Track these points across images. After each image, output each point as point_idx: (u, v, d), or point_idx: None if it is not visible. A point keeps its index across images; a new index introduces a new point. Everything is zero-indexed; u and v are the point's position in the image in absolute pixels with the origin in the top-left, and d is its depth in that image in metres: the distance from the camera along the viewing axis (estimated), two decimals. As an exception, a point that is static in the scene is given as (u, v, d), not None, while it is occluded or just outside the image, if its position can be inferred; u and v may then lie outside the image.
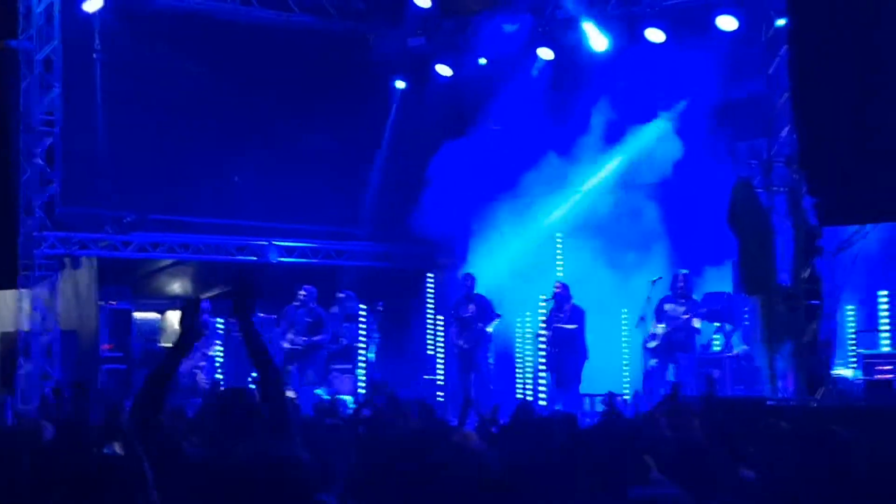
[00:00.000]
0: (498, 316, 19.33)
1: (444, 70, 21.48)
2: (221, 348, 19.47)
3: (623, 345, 18.88)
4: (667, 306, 17.74)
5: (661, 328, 17.65)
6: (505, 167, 20.33)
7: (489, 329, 19.35)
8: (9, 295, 19.23)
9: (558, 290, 18.45)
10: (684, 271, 17.80)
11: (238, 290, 5.97)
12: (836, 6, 14.10)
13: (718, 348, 18.16)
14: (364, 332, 20.28)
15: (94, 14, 18.80)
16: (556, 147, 20.02)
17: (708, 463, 6.95)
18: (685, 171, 18.70)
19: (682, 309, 17.61)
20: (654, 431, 8.52)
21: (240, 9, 20.19)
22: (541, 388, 18.91)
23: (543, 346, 18.60)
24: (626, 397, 17.48)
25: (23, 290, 18.71)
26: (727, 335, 18.02)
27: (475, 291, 19.47)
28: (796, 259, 14.84)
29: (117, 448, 7.77)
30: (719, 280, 17.90)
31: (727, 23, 17.78)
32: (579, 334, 18.30)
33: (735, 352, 17.67)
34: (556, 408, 17.15)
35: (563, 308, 18.39)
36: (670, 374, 17.55)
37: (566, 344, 18.28)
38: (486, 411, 10.60)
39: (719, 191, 15.88)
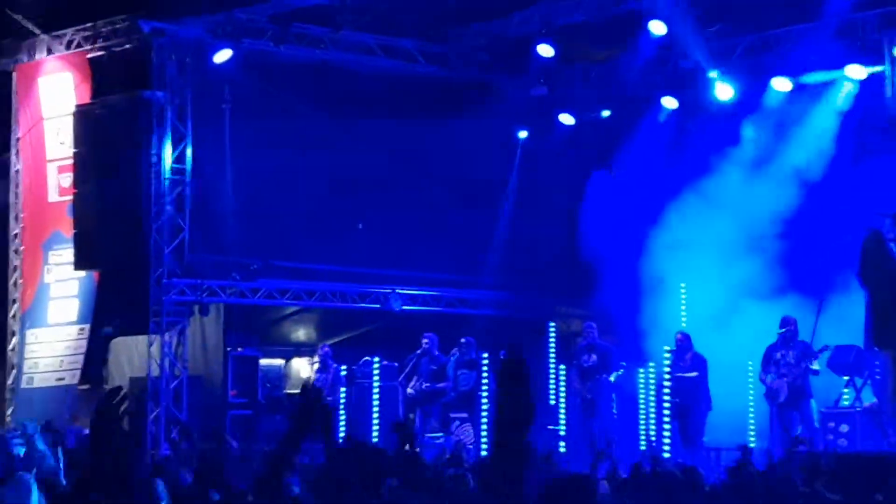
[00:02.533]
0: (622, 366, 19.18)
1: (566, 119, 21.50)
2: (345, 395, 19.51)
3: (749, 396, 18.59)
4: (777, 354, 17.47)
5: (776, 380, 17.34)
6: (629, 216, 20.26)
7: (612, 379, 19.22)
8: (139, 341, 19.59)
9: (680, 340, 18.29)
10: (792, 316, 17.49)
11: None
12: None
13: (847, 402, 17.79)
14: (486, 380, 20.21)
15: (223, 65, 19.18)
16: (685, 195, 19.98)
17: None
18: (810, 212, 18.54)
19: (792, 354, 17.31)
20: (786, 487, 8.41)
21: (365, 59, 20.41)
22: (665, 439, 18.69)
23: (667, 397, 18.41)
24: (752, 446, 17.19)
25: (153, 336, 19.05)
26: (857, 389, 17.66)
27: (597, 341, 19.39)
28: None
29: None
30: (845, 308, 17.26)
31: (857, 72, 17.56)
32: (702, 384, 18.10)
33: (865, 405, 17.30)
34: (679, 461, 16.93)
35: (685, 357, 18.25)
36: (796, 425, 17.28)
37: (689, 394, 18.11)
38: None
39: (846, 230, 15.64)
